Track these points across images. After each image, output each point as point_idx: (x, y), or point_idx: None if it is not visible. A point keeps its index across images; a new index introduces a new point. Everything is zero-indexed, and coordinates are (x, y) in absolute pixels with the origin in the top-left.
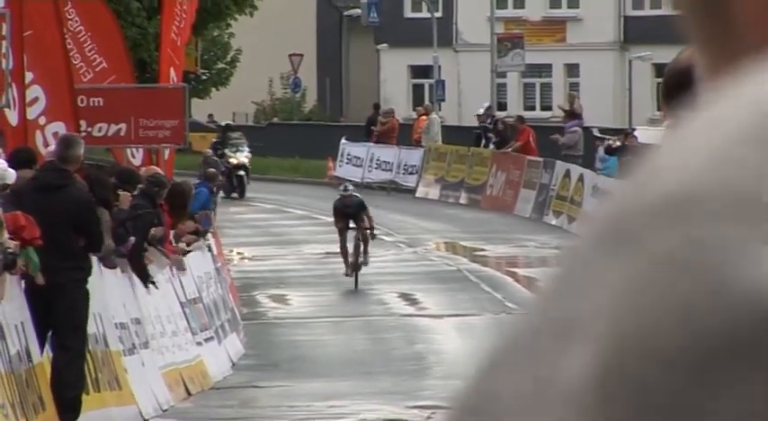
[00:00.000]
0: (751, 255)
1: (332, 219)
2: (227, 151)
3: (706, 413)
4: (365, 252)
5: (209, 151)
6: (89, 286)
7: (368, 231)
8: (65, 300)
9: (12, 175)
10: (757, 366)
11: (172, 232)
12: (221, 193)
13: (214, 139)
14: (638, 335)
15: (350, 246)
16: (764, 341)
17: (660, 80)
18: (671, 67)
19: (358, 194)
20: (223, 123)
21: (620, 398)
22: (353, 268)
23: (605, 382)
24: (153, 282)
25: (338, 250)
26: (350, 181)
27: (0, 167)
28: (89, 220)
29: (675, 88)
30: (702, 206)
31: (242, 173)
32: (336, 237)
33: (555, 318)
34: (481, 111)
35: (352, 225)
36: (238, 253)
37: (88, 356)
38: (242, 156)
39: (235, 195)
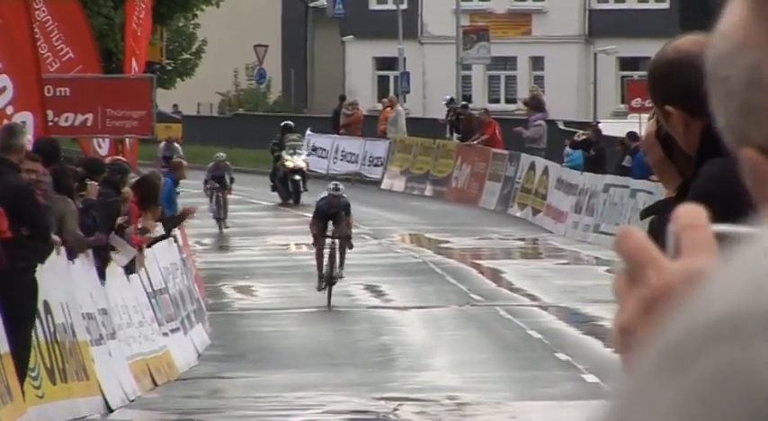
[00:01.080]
0: None
1: (300, 214)
2: (283, 154)
3: None
4: (341, 263)
5: (223, 155)
6: (49, 276)
7: (345, 239)
8: (9, 290)
9: None
10: None
11: (139, 222)
12: (278, 200)
13: (273, 140)
14: None
15: (325, 255)
16: None
17: (625, 73)
18: (657, 59)
19: (345, 195)
20: (282, 123)
21: None
22: (327, 281)
23: None
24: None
25: (304, 242)
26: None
27: None
28: (27, 209)
29: (661, 79)
30: (746, 330)
31: (298, 178)
32: (307, 234)
33: None
34: (453, 101)
35: (328, 230)
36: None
37: (55, 346)
38: (299, 160)
39: (290, 201)
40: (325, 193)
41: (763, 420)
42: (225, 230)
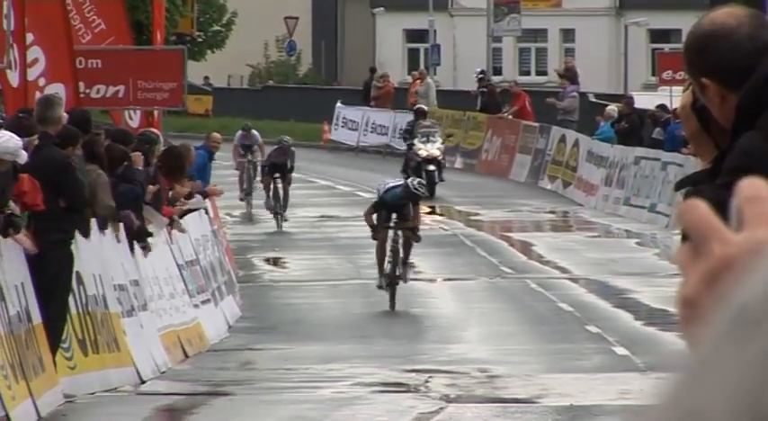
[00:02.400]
0: None
1: (327, 184)
2: (415, 142)
3: None
4: (405, 261)
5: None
6: (81, 247)
7: (411, 231)
8: (46, 262)
9: (24, 156)
10: None
11: (169, 193)
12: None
13: (405, 126)
14: (753, 416)
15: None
16: None
17: (655, 46)
18: (693, 31)
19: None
20: (414, 107)
21: None
22: (389, 281)
23: None
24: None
25: (333, 214)
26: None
27: (14, 146)
28: (66, 181)
29: (697, 52)
30: None
31: (432, 168)
32: (335, 206)
33: (687, 404)
34: (482, 74)
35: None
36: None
37: (87, 318)
38: (433, 148)
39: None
40: (393, 183)
41: None
42: (284, 223)
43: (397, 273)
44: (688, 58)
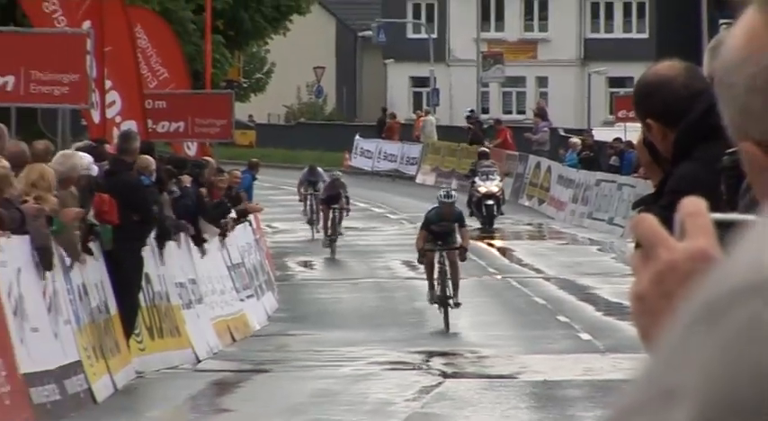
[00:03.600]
0: None
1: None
2: (476, 179)
3: None
4: (455, 283)
5: (339, 173)
6: (146, 253)
7: (462, 251)
8: (121, 264)
9: (95, 170)
10: None
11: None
12: (477, 224)
13: (470, 167)
14: (722, 393)
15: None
16: None
17: (612, 90)
18: (640, 81)
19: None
20: (478, 150)
21: None
22: (441, 302)
23: None
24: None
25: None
26: (362, 169)
27: (86, 162)
28: (139, 200)
29: (643, 98)
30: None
31: (491, 202)
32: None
33: (662, 384)
34: (470, 113)
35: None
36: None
37: (154, 310)
38: (492, 185)
39: (486, 226)
40: (434, 204)
41: None
42: (336, 254)
43: (448, 294)
44: (636, 102)
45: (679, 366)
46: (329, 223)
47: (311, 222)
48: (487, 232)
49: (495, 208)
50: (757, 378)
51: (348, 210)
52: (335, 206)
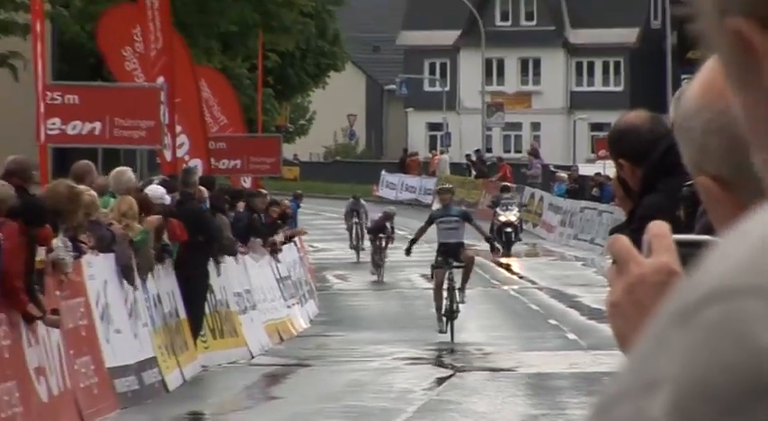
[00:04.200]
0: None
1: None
2: (498, 210)
3: None
4: (462, 287)
5: (392, 208)
6: (210, 267)
7: (470, 262)
8: (190, 277)
9: (167, 200)
10: None
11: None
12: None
13: (492, 198)
14: (695, 383)
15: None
16: None
17: (594, 133)
18: (613, 128)
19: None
20: (500, 184)
21: None
22: (448, 315)
23: (676, 417)
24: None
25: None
26: (387, 198)
27: (160, 193)
28: (204, 225)
29: (615, 141)
30: (736, 294)
31: (509, 230)
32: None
33: (642, 377)
34: (471, 153)
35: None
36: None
37: (216, 315)
38: (511, 215)
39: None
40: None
41: (752, 367)
42: (383, 277)
43: (454, 308)
44: (609, 145)
45: (658, 360)
46: (377, 250)
47: (356, 248)
48: (505, 255)
49: (513, 234)
50: (727, 369)
51: (392, 239)
52: (382, 235)
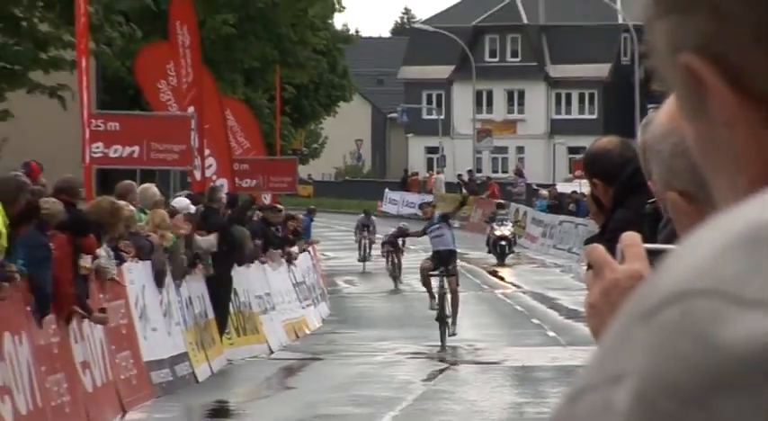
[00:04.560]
0: (726, 321)
1: (379, 236)
2: (494, 225)
3: None
4: (454, 310)
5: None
6: (236, 272)
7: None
8: (217, 281)
9: (192, 210)
10: (732, 394)
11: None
12: (494, 260)
13: (489, 214)
14: (656, 376)
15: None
16: (737, 378)
17: (571, 156)
18: (587, 151)
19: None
20: (495, 202)
21: (647, 416)
22: (440, 320)
23: (639, 407)
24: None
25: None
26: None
27: (185, 204)
28: (227, 234)
29: (590, 163)
30: (696, 293)
31: (504, 243)
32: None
33: (608, 370)
34: (463, 173)
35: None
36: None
37: (240, 315)
38: (505, 230)
39: (498, 261)
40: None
41: (709, 362)
42: (400, 286)
43: (447, 313)
44: (585, 166)
45: (623, 356)
46: (394, 262)
47: (363, 259)
48: (499, 266)
49: (507, 247)
50: (685, 364)
51: (403, 252)
52: (392, 248)
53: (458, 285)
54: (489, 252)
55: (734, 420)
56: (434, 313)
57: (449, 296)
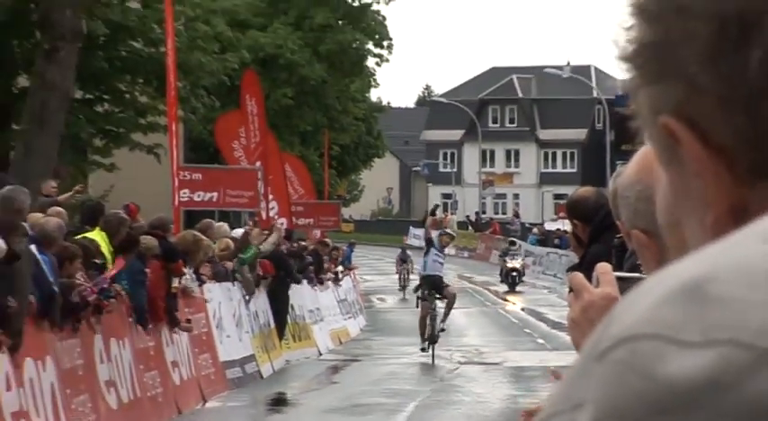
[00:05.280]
0: (665, 360)
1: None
2: (506, 258)
3: None
4: (443, 319)
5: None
6: (290, 292)
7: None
8: (277, 298)
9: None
10: (670, 419)
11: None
12: (506, 288)
13: (503, 250)
14: (609, 404)
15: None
16: (674, 405)
17: (557, 201)
18: (569, 199)
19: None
20: (509, 240)
21: None
22: (429, 340)
23: None
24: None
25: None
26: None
27: (240, 232)
28: (283, 263)
29: (571, 208)
30: (641, 336)
31: (515, 274)
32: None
33: (571, 399)
34: (471, 214)
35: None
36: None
37: (295, 325)
38: (516, 263)
39: (510, 288)
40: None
41: (651, 392)
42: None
43: (436, 332)
44: (567, 210)
45: (583, 387)
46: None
47: (403, 288)
48: (509, 293)
49: (517, 277)
50: (633, 394)
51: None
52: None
53: (454, 300)
54: (502, 281)
55: None
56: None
57: (438, 318)
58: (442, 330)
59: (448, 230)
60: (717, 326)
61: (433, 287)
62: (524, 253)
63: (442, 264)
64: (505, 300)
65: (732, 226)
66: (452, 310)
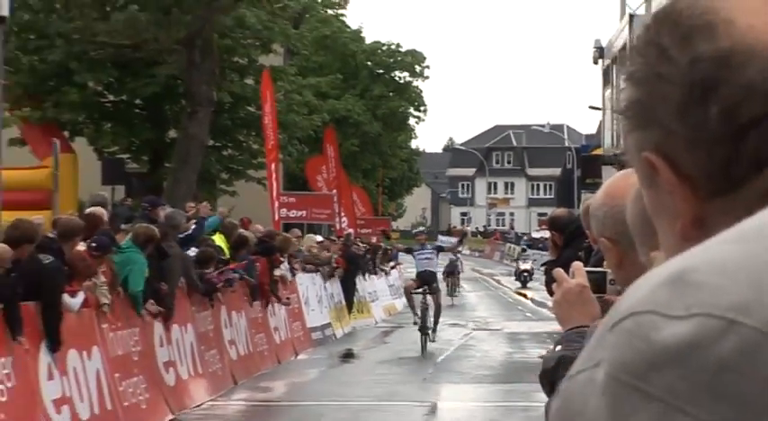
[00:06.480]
0: (659, 328)
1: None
2: (520, 261)
3: (653, 399)
4: (435, 321)
5: (454, 257)
6: (356, 280)
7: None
8: (345, 284)
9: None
10: (662, 372)
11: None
12: (519, 284)
13: (516, 255)
14: (619, 362)
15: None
16: (666, 362)
17: (540, 218)
18: (549, 216)
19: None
20: (521, 247)
21: (614, 385)
22: (421, 330)
23: (609, 380)
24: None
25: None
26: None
27: (317, 239)
28: (353, 259)
29: (551, 223)
30: (641, 312)
31: (526, 274)
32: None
33: (593, 359)
34: (480, 227)
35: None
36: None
37: (359, 303)
38: (527, 265)
39: (520, 286)
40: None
41: (649, 352)
42: (454, 300)
43: (428, 325)
44: (548, 224)
45: (600, 350)
46: (450, 285)
47: (451, 295)
48: (523, 288)
49: (528, 277)
50: (635, 353)
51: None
52: (451, 277)
53: (441, 300)
54: (516, 280)
55: (663, 388)
56: (419, 323)
57: (431, 311)
58: (433, 341)
59: (420, 229)
60: (696, 304)
61: (425, 282)
62: (518, 253)
63: (430, 259)
64: (520, 294)
65: (695, 231)
66: (467, 293)
